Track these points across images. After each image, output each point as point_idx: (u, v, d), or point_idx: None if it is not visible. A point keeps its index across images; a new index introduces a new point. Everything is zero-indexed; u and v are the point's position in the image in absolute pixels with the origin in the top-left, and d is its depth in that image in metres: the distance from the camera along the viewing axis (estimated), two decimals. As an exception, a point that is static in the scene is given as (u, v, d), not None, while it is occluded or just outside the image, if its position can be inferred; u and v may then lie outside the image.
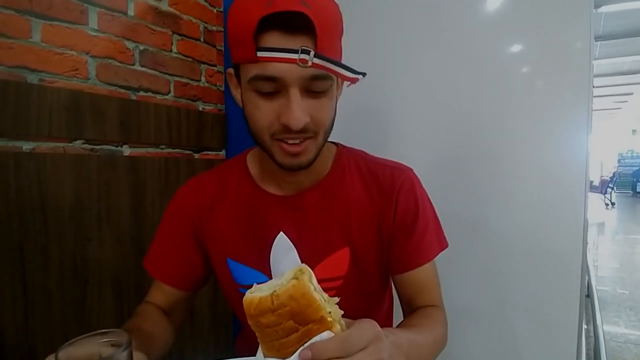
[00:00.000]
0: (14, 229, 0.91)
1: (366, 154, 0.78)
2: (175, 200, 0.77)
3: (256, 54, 0.53)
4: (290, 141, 0.59)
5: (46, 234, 0.96)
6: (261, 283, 0.44)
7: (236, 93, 0.65)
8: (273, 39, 0.53)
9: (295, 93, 0.56)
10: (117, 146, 1.12)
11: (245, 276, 0.73)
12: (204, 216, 0.74)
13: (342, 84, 0.67)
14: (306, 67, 0.53)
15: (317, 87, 0.57)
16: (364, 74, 0.57)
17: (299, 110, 0.56)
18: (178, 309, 0.77)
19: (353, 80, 0.58)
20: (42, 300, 0.96)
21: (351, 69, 0.56)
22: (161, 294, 0.75)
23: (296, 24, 0.52)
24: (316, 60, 0.53)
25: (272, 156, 0.62)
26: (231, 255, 0.73)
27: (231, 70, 0.64)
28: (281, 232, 0.71)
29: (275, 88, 0.56)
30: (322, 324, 0.41)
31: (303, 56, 0.52)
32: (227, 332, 1.52)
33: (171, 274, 0.75)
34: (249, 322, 0.43)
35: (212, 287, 1.42)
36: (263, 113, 0.58)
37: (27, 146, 0.94)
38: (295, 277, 0.41)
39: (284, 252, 0.70)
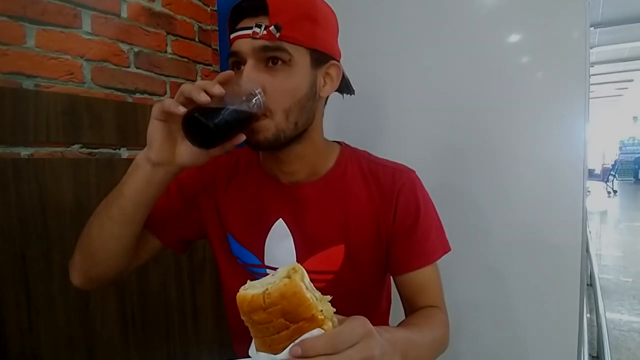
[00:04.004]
0: (16, 235, 0.91)
1: (369, 154, 0.78)
2: None
3: (230, 36, 0.64)
4: None
5: (47, 239, 0.97)
6: (255, 280, 0.45)
7: None
8: (243, 24, 0.62)
9: (249, 64, 0.61)
10: (115, 149, 1.12)
11: (241, 256, 0.76)
12: (220, 188, 0.77)
13: (336, 77, 0.68)
14: (257, 39, 0.60)
15: (271, 59, 0.61)
16: (319, 57, 0.64)
17: (246, 76, 0.60)
18: (142, 253, 0.73)
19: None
20: (45, 305, 0.96)
21: (314, 51, 0.63)
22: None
23: (256, 6, 0.60)
24: (266, 33, 0.59)
25: None
26: (231, 233, 0.76)
27: None
28: (280, 219, 0.72)
29: (241, 64, 0.63)
30: (313, 321, 0.42)
31: (255, 29, 0.59)
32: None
33: (154, 220, 0.71)
34: (242, 318, 0.44)
35: (215, 287, 1.43)
36: None
37: (25, 152, 0.94)
38: (288, 276, 0.42)
39: (280, 238, 0.72)
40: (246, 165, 0.78)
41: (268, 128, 0.62)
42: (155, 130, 0.58)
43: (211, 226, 0.78)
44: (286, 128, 0.63)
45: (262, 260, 0.74)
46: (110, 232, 0.63)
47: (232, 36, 0.63)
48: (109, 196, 0.65)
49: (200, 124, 0.53)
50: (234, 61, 0.64)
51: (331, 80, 0.68)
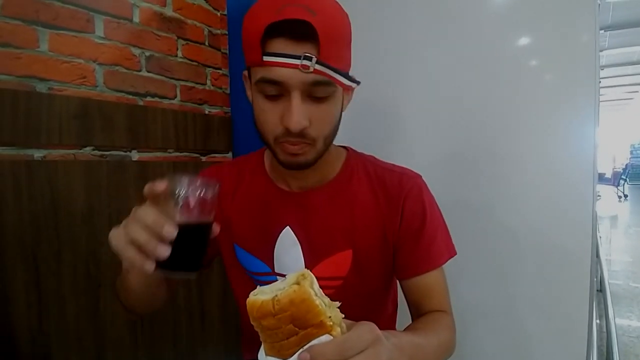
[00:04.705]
0: (27, 235, 0.93)
1: (375, 159, 0.79)
2: None
3: (262, 58, 0.57)
4: (290, 144, 0.62)
5: (59, 240, 0.98)
6: (265, 285, 0.46)
7: (249, 94, 0.68)
8: (279, 45, 0.56)
9: (296, 97, 0.58)
10: (126, 151, 1.14)
11: (250, 264, 0.76)
12: (226, 198, 0.77)
13: (351, 92, 0.69)
14: (308, 72, 0.56)
15: (318, 92, 0.59)
16: (358, 83, 0.63)
17: (298, 113, 0.58)
18: (173, 286, 0.77)
19: (347, 89, 0.62)
20: (56, 305, 0.97)
21: (350, 77, 0.60)
22: None
23: (301, 31, 0.55)
24: (318, 67, 0.56)
25: (276, 156, 0.66)
26: (238, 242, 0.76)
27: (246, 72, 0.67)
28: (287, 227, 0.73)
29: (278, 91, 0.59)
30: (322, 327, 0.42)
31: (305, 62, 0.55)
32: (238, 334, 1.53)
33: None
34: (252, 323, 0.45)
35: (222, 289, 1.44)
36: (268, 115, 0.61)
37: (38, 154, 0.96)
38: (297, 282, 0.42)
39: (288, 246, 0.73)
40: (251, 174, 0.78)
41: (310, 153, 0.63)
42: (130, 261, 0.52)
43: (221, 237, 0.78)
44: (322, 150, 0.65)
45: (272, 268, 0.74)
46: (138, 298, 0.68)
47: (268, 59, 0.56)
48: (119, 282, 0.67)
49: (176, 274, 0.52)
50: (271, 88, 0.59)
51: (348, 94, 0.69)
